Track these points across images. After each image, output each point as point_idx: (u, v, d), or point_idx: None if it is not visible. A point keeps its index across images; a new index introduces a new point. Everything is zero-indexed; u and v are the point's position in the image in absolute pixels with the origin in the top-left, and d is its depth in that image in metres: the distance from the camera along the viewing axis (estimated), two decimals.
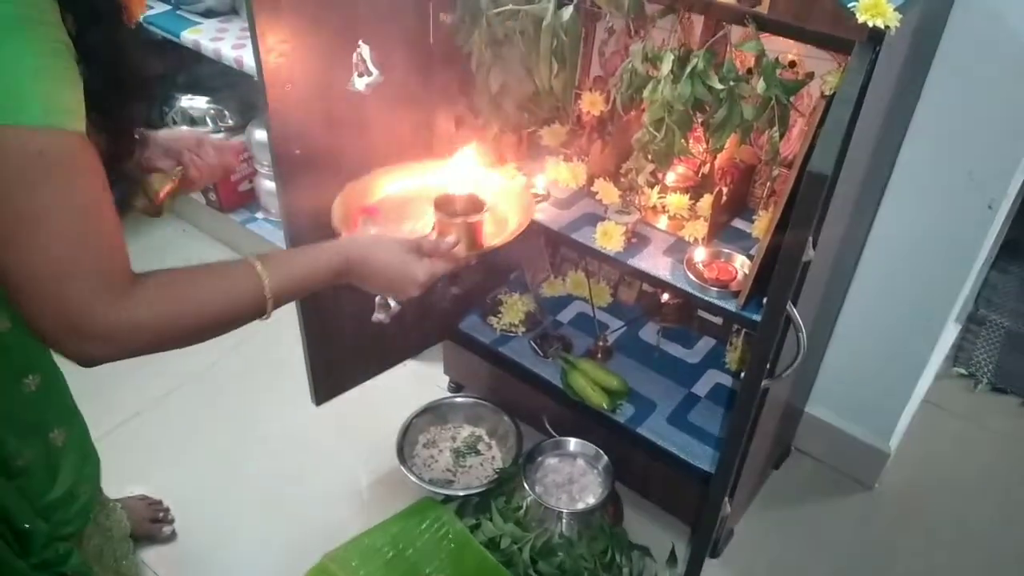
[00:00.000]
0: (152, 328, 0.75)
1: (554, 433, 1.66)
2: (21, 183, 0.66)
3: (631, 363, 1.74)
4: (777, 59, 1.12)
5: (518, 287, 1.89)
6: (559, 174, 1.56)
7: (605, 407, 1.59)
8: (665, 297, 1.83)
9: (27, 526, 0.99)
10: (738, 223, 1.51)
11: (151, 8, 2.17)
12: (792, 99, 1.15)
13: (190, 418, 1.86)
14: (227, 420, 1.85)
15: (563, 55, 1.25)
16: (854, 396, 1.71)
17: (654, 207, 1.49)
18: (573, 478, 1.60)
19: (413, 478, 1.64)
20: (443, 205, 1.03)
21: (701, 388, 1.69)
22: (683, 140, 1.25)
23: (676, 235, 1.47)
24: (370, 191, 1.17)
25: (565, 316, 1.88)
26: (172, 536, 1.58)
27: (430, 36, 1.37)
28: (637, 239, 1.46)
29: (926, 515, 1.71)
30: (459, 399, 1.84)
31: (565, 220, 1.50)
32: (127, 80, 0.81)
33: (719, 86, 1.13)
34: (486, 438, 1.79)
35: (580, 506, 1.54)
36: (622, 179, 1.51)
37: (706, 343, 1.82)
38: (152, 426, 1.83)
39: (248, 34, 1.19)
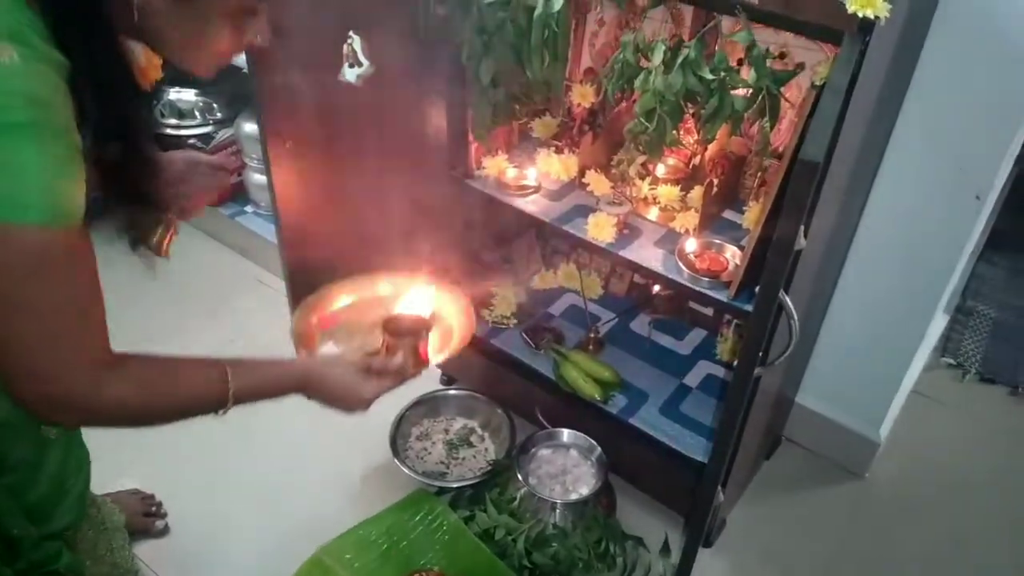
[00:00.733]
0: (124, 409, 0.83)
1: (547, 425, 1.67)
2: (15, 274, 0.71)
3: (623, 354, 1.74)
4: (768, 50, 1.13)
5: (510, 279, 1.89)
6: (550, 166, 1.56)
7: (597, 398, 1.60)
8: (656, 289, 1.84)
9: (15, 532, 1.01)
10: (729, 214, 1.51)
11: None
12: (782, 90, 1.16)
13: None
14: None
15: (554, 46, 1.25)
16: (844, 386, 1.72)
17: (645, 198, 1.50)
18: (566, 469, 1.61)
19: (406, 470, 1.64)
20: (391, 325, 1.10)
21: (692, 379, 1.70)
22: (674, 131, 1.25)
23: (667, 226, 1.48)
24: (326, 303, 1.26)
25: (556, 308, 1.88)
26: (165, 530, 1.57)
27: (421, 27, 1.37)
28: (629, 230, 1.46)
29: (916, 504, 1.73)
30: (452, 391, 1.84)
31: (556, 212, 1.50)
32: (146, 146, 0.85)
33: (710, 76, 1.14)
34: (479, 430, 1.79)
35: (574, 497, 1.55)
36: (613, 171, 1.51)
37: (697, 334, 1.83)
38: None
39: None
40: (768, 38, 1.34)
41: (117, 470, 1.60)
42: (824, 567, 1.59)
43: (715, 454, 1.28)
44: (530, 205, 1.52)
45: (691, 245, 1.39)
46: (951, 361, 2.11)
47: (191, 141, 2.23)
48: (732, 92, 1.17)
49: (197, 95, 2.28)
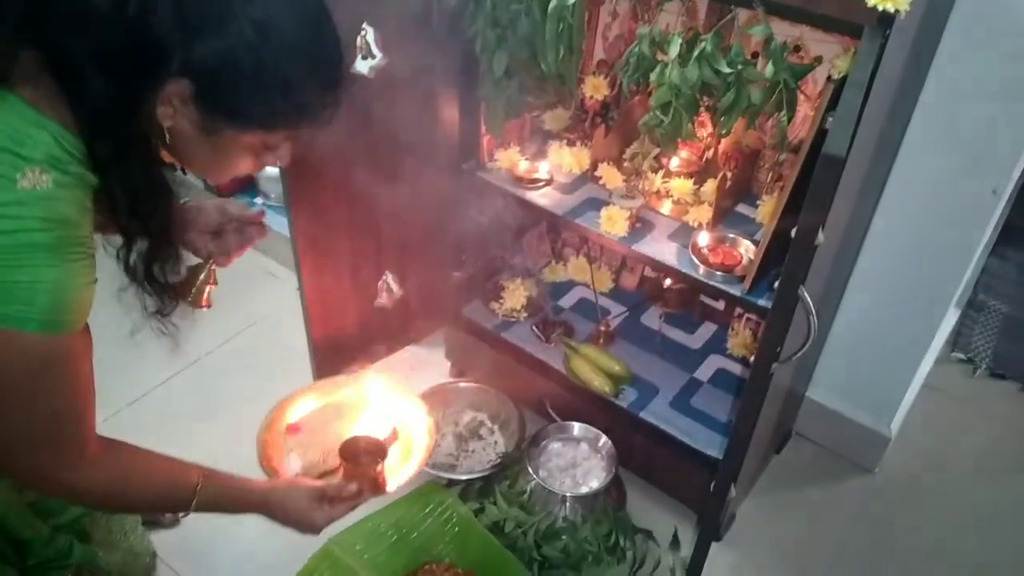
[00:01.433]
0: (101, 495, 0.89)
1: (557, 418, 1.67)
2: (15, 374, 0.75)
3: (633, 348, 1.74)
4: (785, 43, 1.12)
5: (520, 272, 1.89)
6: (562, 159, 1.55)
7: (608, 392, 1.60)
8: (667, 282, 1.83)
9: (26, 535, 1.04)
10: (742, 208, 1.51)
11: None
12: (799, 83, 1.15)
13: (192, 403, 1.86)
14: (230, 405, 1.84)
15: (569, 39, 1.24)
16: (855, 381, 1.72)
17: (657, 192, 1.49)
18: (576, 462, 1.61)
19: None
20: (347, 451, 1.12)
21: (703, 373, 1.70)
22: (689, 124, 1.25)
23: (680, 220, 1.47)
24: (291, 410, 1.28)
25: (567, 301, 1.88)
26: (175, 521, 1.58)
27: (434, 19, 1.36)
28: (641, 224, 1.46)
29: (926, 499, 1.73)
30: (461, 384, 1.84)
31: (568, 205, 1.50)
32: (171, 239, 0.87)
33: (727, 70, 1.13)
34: (488, 423, 1.79)
35: (584, 490, 1.55)
36: (626, 164, 1.51)
37: (708, 328, 1.83)
38: (155, 411, 1.83)
39: None
40: (783, 31, 1.33)
41: None
42: (833, 561, 1.59)
43: (731, 451, 1.28)
44: (542, 198, 1.52)
45: (704, 239, 1.39)
46: (961, 356, 2.10)
47: None
48: (749, 85, 1.16)
49: None
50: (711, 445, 1.50)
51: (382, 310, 1.79)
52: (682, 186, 1.46)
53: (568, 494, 1.53)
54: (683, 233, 1.43)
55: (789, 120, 1.18)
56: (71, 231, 0.73)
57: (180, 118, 0.76)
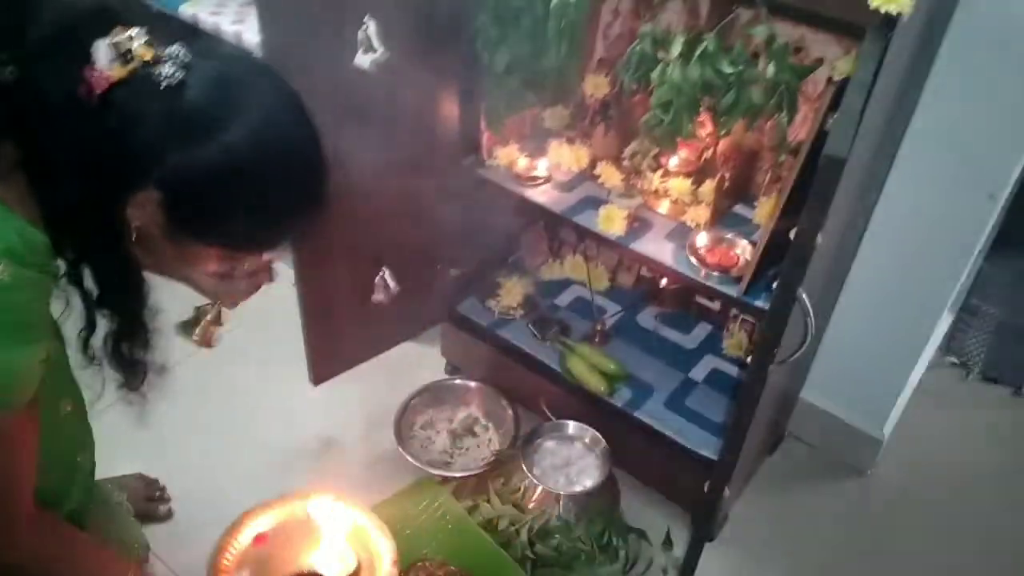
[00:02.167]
0: (32, 567, 0.90)
1: (552, 417, 1.67)
2: None
3: (629, 348, 1.74)
4: (787, 44, 1.12)
5: (517, 270, 1.89)
6: (561, 156, 1.55)
7: (603, 391, 1.60)
8: (663, 282, 1.83)
9: None
10: (740, 209, 1.51)
11: None
12: (800, 84, 1.15)
13: (187, 397, 1.84)
14: (225, 400, 1.84)
15: (572, 36, 1.24)
16: (849, 383, 1.72)
17: (656, 191, 1.49)
18: (571, 461, 1.61)
19: (410, 459, 1.64)
20: None
21: (698, 373, 1.70)
22: (689, 124, 1.25)
23: (678, 220, 1.47)
24: (244, 531, 1.26)
25: (563, 300, 1.88)
26: (169, 515, 1.57)
27: (436, 14, 1.36)
28: (639, 223, 1.46)
29: (919, 502, 1.73)
30: (457, 381, 1.83)
31: (566, 203, 1.50)
32: (141, 315, 0.88)
33: (729, 70, 1.13)
34: (483, 420, 1.79)
35: (577, 489, 1.55)
36: (625, 162, 1.51)
37: (703, 328, 1.82)
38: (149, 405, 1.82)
39: (248, 9, 1.17)
40: (784, 31, 1.33)
41: (121, 455, 1.60)
42: (825, 563, 1.60)
43: (726, 452, 1.28)
44: (540, 196, 1.51)
45: (702, 239, 1.39)
46: (954, 360, 2.11)
47: None
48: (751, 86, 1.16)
49: None
50: (705, 445, 1.50)
51: (378, 306, 1.78)
52: (680, 185, 1.46)
53: (562, 493, 1.53)
54: (681, 233, 1.43)
55: (789, 121, 1.18)
56: (24, 316, 0.75)
57: (149, 221, 0.76)
